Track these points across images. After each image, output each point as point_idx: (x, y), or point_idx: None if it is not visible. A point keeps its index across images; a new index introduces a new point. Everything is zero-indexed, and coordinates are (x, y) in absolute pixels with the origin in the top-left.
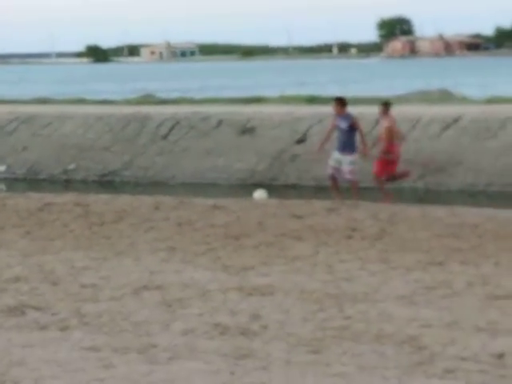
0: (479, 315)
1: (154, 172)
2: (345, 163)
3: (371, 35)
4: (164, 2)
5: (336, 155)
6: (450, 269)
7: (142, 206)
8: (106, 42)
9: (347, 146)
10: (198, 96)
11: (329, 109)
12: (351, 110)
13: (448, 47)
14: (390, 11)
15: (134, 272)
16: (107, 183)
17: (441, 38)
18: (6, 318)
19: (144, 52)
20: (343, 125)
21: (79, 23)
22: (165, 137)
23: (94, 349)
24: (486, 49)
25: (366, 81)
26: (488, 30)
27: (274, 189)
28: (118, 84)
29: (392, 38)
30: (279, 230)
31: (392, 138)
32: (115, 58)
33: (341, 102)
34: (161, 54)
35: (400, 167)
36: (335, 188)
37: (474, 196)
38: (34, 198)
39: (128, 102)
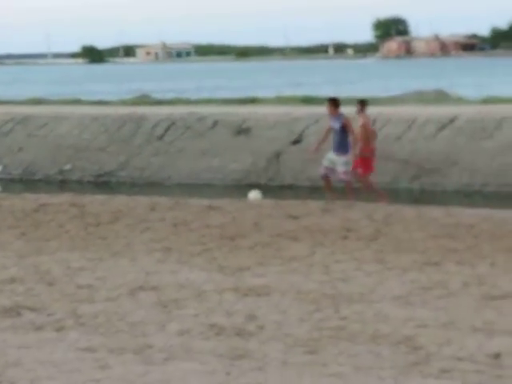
0: (475, 315)
1: (149, 172)
2: (339, 164)
3: (367, 36)
4: (160, 3)
5: (330, 155)
6: (445, 269)
7: (138, 206)
8: (102, 43)
9: (341, 146)
10: (193, 96)
11: (325, 109)
12: (347, 110)
13: (444, 47)
14: (386, 12)
15: (129, 273)
16: (103, 184)
17: (436, 38)
18: (2, 318)
19: (139, 53)
20: (336, 125)
21: (75, 24)
22: (160, 137)
23: (90, 349)
24: (482, 49)
25: (361, 81)
26: (484, 31)
27: (269, 189)
28: (113, 85)
29: (388, 38)
30: (275, 231)
31: (367, 136)
32: (111, 59)
33: (333, 103)
34: (156, 54)
35: (375, 164)
36: (328, 188)
37: (469, 196)
38: (30, 199)
39: (123, 103)
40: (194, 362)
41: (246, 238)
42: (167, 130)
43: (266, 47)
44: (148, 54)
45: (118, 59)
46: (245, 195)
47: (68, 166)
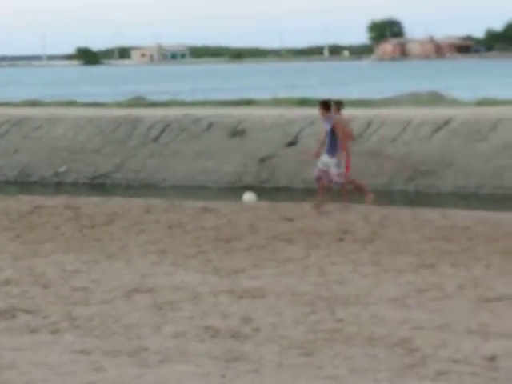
0: (471, 317)
1: (144, 174)
2: (332, 166)
3: (362, 38)
4: (155, 5)
5: (323, 158)
6: (441, 271)
7: (133, 208)
8: (97, 45)
9: (332, 148)
10: (188, 98)
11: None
12: (343, 112)
13: (438, 49)
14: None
15: (124, 275)
16: (98, 186)
17: (431, 40)
18: None
19: (134, 54)
20: (327, 127)
21: (70, 26)
22: (155, 139)
23: (85, 352)
24: (477, 51)
25: (357, 83)
26: (479, 33)
27: (264, 191)
28: (108, 86)
29: (383, 40)
30: (270, 233)
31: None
32: (106, 61)
33: (324, 105)
34: (151, 56)
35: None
36: (321, 191)
37: (464, 198)
38: (25, 201)
39: (119, 105)
40: (189, 364)
41: (241, 240)
42: (162, 131)
43: (261, 49)
44: (143, 55)
45: (112, 61)
46: (240, 197)
47: (63, 168)
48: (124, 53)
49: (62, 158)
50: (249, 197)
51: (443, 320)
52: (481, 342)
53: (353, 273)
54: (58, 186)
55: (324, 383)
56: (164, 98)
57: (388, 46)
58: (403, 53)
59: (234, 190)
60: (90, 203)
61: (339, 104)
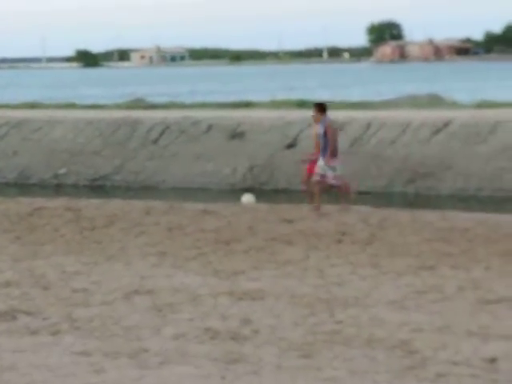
0: (470, 319)
1: (144, 176)
2: (327, 169)
3: (361, 40)
4: (154, 7)
5: (320, 161)
6: (440, 273)
7: (133, 210)
8: (96, 47)
9: (325, 151)
10: (188, 101)
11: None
12: (343, 114)
13: (438, 52)
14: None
15: (124, 277)
16: (98, 188)
17: (430, 42)
18: None
19: (134, 57)
20: (320, 130)
21: (69, 28)
22: (155, 141)
23: (85, 353)
24: (476, 53)
25: (356, 85)
26: (478, 35)
27: (263, 193)
28: (108, 89)
29: (382, 42)
30: (269, 235)
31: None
32: (105, 63)
33: (319, 108)
34: (151, 58)
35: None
36: (319, 195)
37: (464, 200)
38: (25, 203)
39: (118, 107)
40: (189, 366)
41: (240, 242)
42: (162, 134)
43: (260, 51)
44: (142, 58)
45: (112, 63)
46: (239, 199)
47: (63, 170)
48: (123, 55)
49: (61, 160)
50: (247, 198)
51: (443, 322)
52: (481, 344)
53: (352, 275)
54: (57, 188)
55: None
56: (163, 100)
57: (387, 49)
58: (402, 55)
59: (233, 192)
60: (90, 205)
61: (322, 106)
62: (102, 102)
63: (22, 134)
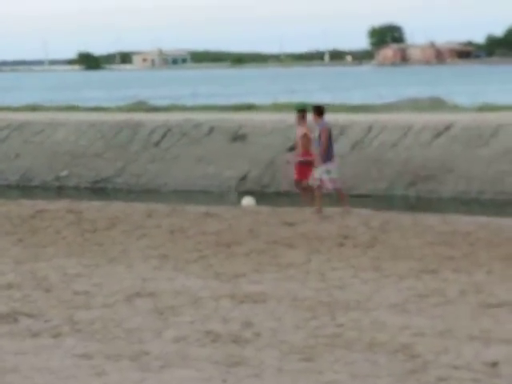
0: (472, 323)
1: (146, 179)
2: (321, 173)
3: (363, 43)
4: (155, 10)
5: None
6: (442, 277)
7: (135, 213)
8: (98, 50)
9: (321, 155)
10: (189, 103)
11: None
12: (344, 117)
13: (439, 55)
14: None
15: (126, 279)
16: (100, 190)
17: (432, 45)
18: None
19: (136, 59)
20: (316, 134)
21: (71, 31)
22: (157, 144)
23: (87, 356)
24: (477, 57)
25: (357, 88)
26: (479, 38)
27: (265, 196)
28: (110, 91)
29: (383, 45)
30: (271, 238)
31: (308, 144)
32: (107, 66)
33: (318, 111)
34: (153, 61)
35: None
36: (320, 197)
37: (465, 204)
38: (27, 205)
39: (120, 109)
40: (190, 369)
41: (242, 244)
42: (163, 136)
43: (262, 54)
44: (144, 60)
45: (114, 66)
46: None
47: (65, 173)
48: (125, 58)
49: (63, 163)
50: (247, 201)
51: (444, 326)
52: (482, 348)
53: (353, 278)
54: (59, 191)
55: None
56: (165, 102)
57: (388, 52)
58: (404, 58)
59: (234, 195)
60: (92, 208)
61: (303, 112)
62: (103, 104)
63: (24, 136)
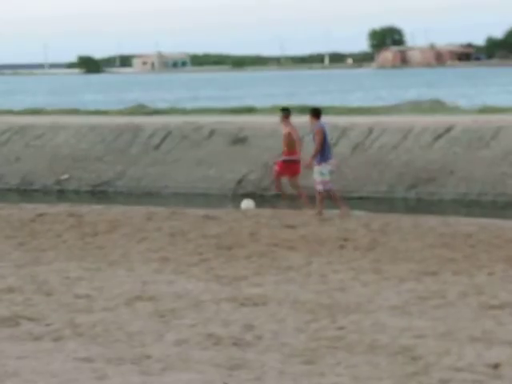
0: (473, 325)
1: (146, 182)
2: (315, 173)
3: (363, 45)
4: (155, 13)
5: (315, 168)
6: (443, 279)
7: (135, 216)
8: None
9: (317, 156)
10: (189, 106)
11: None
12: (345, 120)
13: (439, 57)
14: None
15: (127, 282)
16: (100, 193)
17: (432, 47)
18: (0, 328)
19: (136, 62)
20: (311, 135)
21: (72, 34)
22: (157, 147)
23: (88, 359)
24: (478, 59)
25: (357, 91)
26: (479, 40)
27: (266, 199)
28: (110, 94)
29: (383, 48)
30: (272, 240)
31: (291, 143)
32: (107, 69)
33: (311, 113)
34: (153, 64)
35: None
36: (321, 200)
37: (466, 206)
38: (27, 209)
39: (120, 113)
40: (191, 372)
41: (242, 247)
42: (164, 139)
43: (262, 57)
44: (144, 63)
45: (114, 69)
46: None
47: (65, 176)
48: (125, 61)
49: (64, 166)
50: (247, 204)
51: (445, 328)
52: (484, 350)
53: (354, 280)
54: (60, 194)
55: None
56: (165, 105)
57: (389, 54)
58: (404, 60)
59: (236, 198)
60: (92, 211)
61: (287, 111)
62: (104, 107)
63: (25, 139)
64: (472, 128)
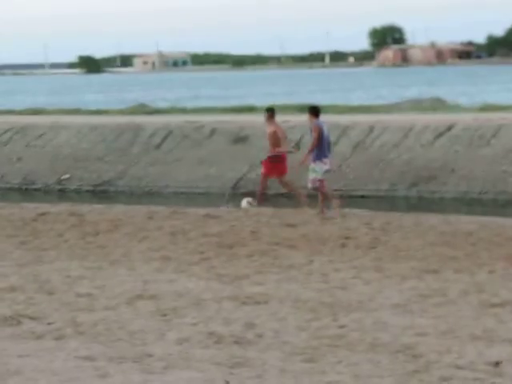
0: (474, 323)
1: (147, 181)
2: (309, 171)
3: (363, 44)
4: (155, 13)
5: (311, 166)
6: (444, 277)
7: (136, 215)
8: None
9: (314, 155)
10: (190, 105)
11: (322, 117)
12: (346, 118)
13: (440, 55)
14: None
15: (128, 281)
16: (101, 193)
17: (433, 46)
18: (2, 327)
19: (136, 62)
20: (310, 133)
21: (71, 35)
22: (158, 146)
23: (90, 358)
24: (478, 57)
25: (358, 89)
26: (480, 38)
27: (267, 198)
28: (110, 94)
29: (384, 46)
30: (273, 239)
31: (277, 142)
32: (108, 69)
33: (310, 111)
34: (153, 63)
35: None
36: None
37: (467, 204)
38: (29, 208)
39: (121, 112)
40: (193, 370)
41: (244, 246)
42: (165, 139)
43: (263, 56)
44: (145, 63)
45: (115, 69)
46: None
47: (66, 176)
48: (126, 60)
49: (65, 166)
50: (246, 203)
51: (447, 326)
52: (485, 348)
53: (355, 279)
54: (61, 194)
55: None
56: (166, 105)
57: (389, 53)
58: (405, 59)
59: (237, 197)
60: (94, 210)
61: (272, 111)
62: (105, 107)
63: (26, 139)
64: (473, 126)
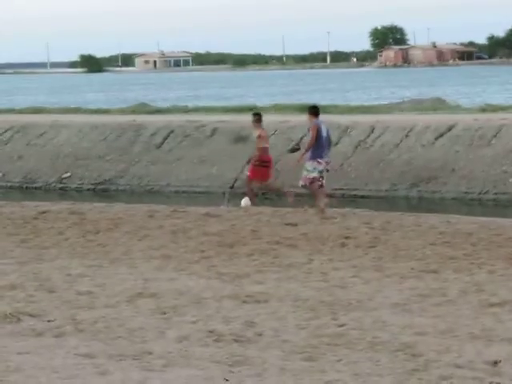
0: (474, 323)
1: (148, 180)
2: (303, 169)
3: (365, 44)
4: (156, 12)
5: (307, 164)
6: (444, 277)
7: (137, 214)
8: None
9: (311, 153)
10: (191, 105)
11: (323, 117)
12: (347, 118)
13: (441, 56)
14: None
15: (128, 280)
16: (102, 191)
17: (434, 46)
18: (2, 324)
19: (138, 61)
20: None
21: (73, 34)
22: (159, 145)
23: (90, 356)
24: (479, 57)
25: (360, 89)
26: (481, 39)
27: (267, 197)
28: (112, 93)
29: (385, 47)
30: (273, 238)
31: (263, 146)
32: (109, 68)
33: (309, 111)
34: (154, 63)
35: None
36: (323, 197)
37: (467, 204)
38: (29, 207)
39: (122, 111)
40: (192, 368)
41: (244, 245)
42: (166, 138)
43: (264, 56)
44: (146, 62)
45: (116, 68)
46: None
47: (67, 174)
48: (127, 60)
49: (66, 164)
50: (246, 202)
51: (446, 325)
52: (484, 347)
53: (355, 278)
54: (62, 192)
55: None
56: (167, 104)
57: (391, 53)
58: (406, 59)
59: (237, 196)
60: (94, 209)
61: (258, 115)
62: (106, 106)
63: (27, 138)
64: (473, 126)
